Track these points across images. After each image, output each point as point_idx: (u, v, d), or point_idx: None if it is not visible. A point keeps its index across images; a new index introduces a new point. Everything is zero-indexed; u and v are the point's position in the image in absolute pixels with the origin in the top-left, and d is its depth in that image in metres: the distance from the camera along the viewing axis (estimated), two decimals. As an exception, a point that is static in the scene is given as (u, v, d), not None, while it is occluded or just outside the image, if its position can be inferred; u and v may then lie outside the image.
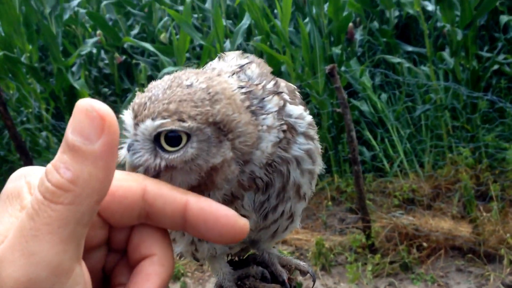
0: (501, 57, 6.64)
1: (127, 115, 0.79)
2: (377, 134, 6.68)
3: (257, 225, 0.94)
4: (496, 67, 6.56)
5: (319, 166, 0.96)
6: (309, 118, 0.93)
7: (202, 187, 0.80)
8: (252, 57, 1.00)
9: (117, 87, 9.06)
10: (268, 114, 0.86)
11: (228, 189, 0.83)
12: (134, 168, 0.78)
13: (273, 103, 0.88)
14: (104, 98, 9.29)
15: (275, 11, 7.64)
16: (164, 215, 0.67)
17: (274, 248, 1.08)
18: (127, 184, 0.67)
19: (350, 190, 6.04)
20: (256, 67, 0.96)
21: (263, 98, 0.87)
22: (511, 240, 4.77)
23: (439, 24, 7.04)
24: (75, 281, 0.58)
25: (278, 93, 0.90)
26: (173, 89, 0.80)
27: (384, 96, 6.95)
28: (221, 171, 0.79)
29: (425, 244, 4.99)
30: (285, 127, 0.87)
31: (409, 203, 5.69)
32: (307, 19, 7.10)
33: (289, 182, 0.90)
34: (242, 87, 0.85)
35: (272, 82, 0.93)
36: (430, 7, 7.12)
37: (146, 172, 0.78)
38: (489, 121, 6.42)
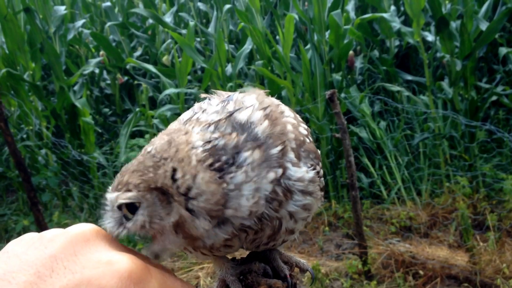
0: (499, 89, 6.70)
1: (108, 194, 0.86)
2: (375, 161, 6.71)
3: (249, 248, 0.97)
4: (494, 98, 6.62)
5: (319, 204, 0.95)
6: (311, 174, 0.91)
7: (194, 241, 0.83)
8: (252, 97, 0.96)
9: (118, 108, 9.10)
10: (239, 168, 0.82)
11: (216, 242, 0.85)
12: (116, 236, 0.83)
13: (252, 157, 0.83)
14: (104, 118, 9.34)
15: (277, 37, 7.74)
16: None
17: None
18: None
19: (347, 216, 6.04)
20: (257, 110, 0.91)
21: (238, 152, 0.83)
22: (507, 270, 4.76)
23: (438, 55, 7.13)
24: None
25: (260, 146, 0.85)
26: (137, 159, 0.86)
27: (383, 123, 7.00)
28: (186, 224, 0.80)
29: (421, 272, 4.96)
30: (279, 190, 0.86)
31: (406, 231, 5.68)
32: (308, 46, 7.19)
33: (281, 230, 0.91)
34: (208, 142, 0.83)
35: (279, 148, 0.88)
36: (430, 37, 7.22)
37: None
38: (487, 151, 6.46)
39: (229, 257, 1.06)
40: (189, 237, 0.82)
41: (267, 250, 1.06)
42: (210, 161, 0.81)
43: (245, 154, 0.83)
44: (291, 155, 0.89)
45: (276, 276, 1.03)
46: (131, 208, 0.81)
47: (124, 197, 0.80)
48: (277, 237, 0.92)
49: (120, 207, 0.82)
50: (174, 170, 0.80)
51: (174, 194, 0.79)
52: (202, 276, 5.29)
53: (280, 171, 0.85)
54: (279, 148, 0.87)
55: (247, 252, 1.11)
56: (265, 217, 0.86)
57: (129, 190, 0.80)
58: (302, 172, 0.89)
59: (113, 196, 0.82)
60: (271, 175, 0.84)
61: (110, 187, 0.84)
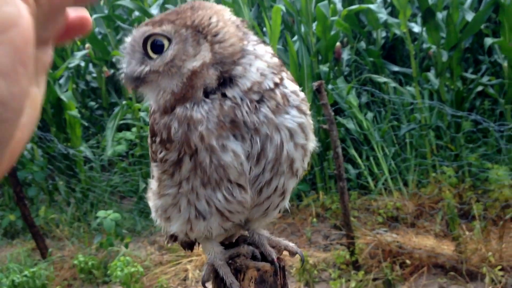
0: (485, 79, 6.74)
1: (128, 38, 0.92)
2: (362, 152, 6.74)
3: (252, 201, 0.97)
4: (480, 88, 6.66)
5: (312, 143, 0.99)
6: (302, 94, 1.01)
7: (185, 95, 0.87)
8: None
9: (104, 101, 9.05)
10: (259, 43, 0.96)
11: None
12: (130, 83, 0.89)
13: (267, 48, 0.98)
14: (91, 112, 9.29)
15: (264, 29, 7.72)
16: None
17: (263, 230, 1.11)
18: None
19: (335, 207, 6.07)
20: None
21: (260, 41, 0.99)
22: (493, 258, 4.81)
23: (425, 46, 7.15)
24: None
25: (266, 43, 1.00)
26: (171, 9, 0.93)
27: (370, 114, 7.02)
28: (200, 75, 0.87)
29: (408, 262, 5.00)
30: (278, 79, 0.95)
31: (393, 221, 5.72)
32: (295, 37, 7.19)
33: (283, 154, 0.93)
34: (242, 21, 0.99)
35: (277, 61, 1.02)
36: (417, 28, 7.24)
37: (132, 80, 0.85)
38: (473, 141, 6.51)
39: (219, 242, 1.07)
40: (190, 88, 0.87)
41: (256, 235, 1.07)
42: (238, 22, 0.95)
43: (263, 44, 0.99)
44: (286, 73, 1.04)
45: (264, 260, 1.04)
46: (156, 48, 0.86)
47: (159, 30, 0.86)
48: (279, 170, 0.96)
49: (145, 42, 0.86)
50: (211, 16, 0.91)
51: (208, 33, 0.89)
52: (190, 269, 5.29)
53: (277, 78, 0.97)
54: (278, 61, 1.01)
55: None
56: (264, 118, 0.93)
57: (162, 25, 0.87)
58: (296, 87, 1.01)
59: (144, 29, 0.87)
60: (273, 77, 0.97)
61: (136, 27, 0.90)
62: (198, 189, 0.93)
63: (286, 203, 1.06)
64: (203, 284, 1.12)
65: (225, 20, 0.91)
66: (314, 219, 6.09)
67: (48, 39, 0.60)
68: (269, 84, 0.93)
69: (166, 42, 0.86)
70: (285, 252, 1.16)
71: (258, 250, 1.06)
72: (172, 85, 0.86)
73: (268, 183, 0.96)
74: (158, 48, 0.86)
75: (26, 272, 4.93)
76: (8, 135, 0.50)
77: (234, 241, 1.12)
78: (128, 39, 0.88)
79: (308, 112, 0.99)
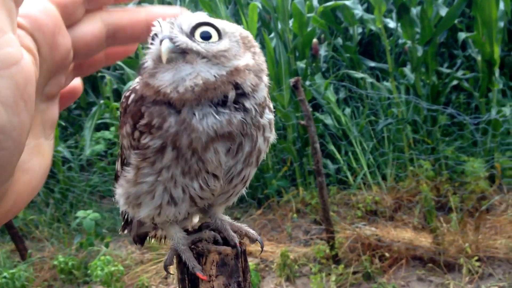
0: (460, 73, 6.84)
1: (161, 22, 0.86)
2: (341, 147, 6.79)
3: (221, 189, 1.01)
4: (455, 82, 6.76)
5: (273, 136, 1.04)
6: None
7: (210, 92, 0.89)
8: None
9: (82, 100, 8.97)
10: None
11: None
12: (170, 53, 0.86)
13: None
14: (68, 111, 9.20)
15: (241, 26, 7.73)
16: (132, 29, 0.74)
17: (225, 216, 1.15)
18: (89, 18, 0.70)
19: (314, 202, 6.11)
20: None
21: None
22: (470, 249, 4.90)
23: (400, 41, 7.23)
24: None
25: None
26: None
27: (347, 110, 7.08)
28: (242, 74, 0.90)
29: (387, 254, 5.07)
30: (265, 93, 0.99)
31: (372, 215, 5.79)
32: (272, 34, 7.21)
33: (256, 148, 0.97)
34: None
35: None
36: (392, 24, 7.31)
37: (175, 50, 0.87)
38: (449, 135, 6.61)
39: (182, 228, 1.11)
40: (232, 80, 0.90)
41: (218, 220, 1.11)
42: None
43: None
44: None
45: (226, 244, 1.08)
46: (204, 38, 0.89)
47: (216, 22, 0.91)
48: (249, 161, 1.01)
49: (195, 28, 0.89)
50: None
51: (251, 46, 0.96)
52: (171, 267, 5.29)
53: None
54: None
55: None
56: (252, 123, 0.96)
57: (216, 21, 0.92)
58: (265, 90, 1.01)
59: (199, 16, 0.90)
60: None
61: (167, 21, 0.88)
62: (177, 177, 0.96)
63: (243, 190, 1.11)
64: (165, 268, 1.17)
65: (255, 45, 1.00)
66: (295, 215, 6.13)
67: (53, 95, 0.68)
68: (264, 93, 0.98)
69: (215, 37, 0.88)
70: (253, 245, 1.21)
71: (221, 235, 1.10)
72: (209, 73, 0.87)
73: (238, 173, 1.01)
74: (206, 38, 0.89)
75: (5, 274, 4.89)
76: (7, 165, 0.54)
77: (197, 227, 1.16)
78: (165, 22, 0.88)
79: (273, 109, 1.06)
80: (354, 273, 4.96)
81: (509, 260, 4.86)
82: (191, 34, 0.87)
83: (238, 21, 8.44)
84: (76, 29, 0.67)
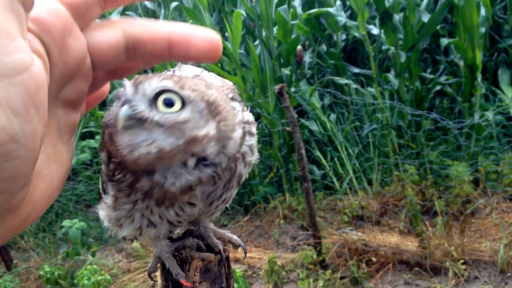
0: (443, 78, 6.91)
1: (127, 82, 0.85)
2: (326, 153, 6.83)
3: (201, 211, 1.01)
4: (438, 87, 6.83)
5: (255, 157, 1.04)
6: (252, 117, 1.02)
7: (169, 158, 0.86)
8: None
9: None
10: (238, 111, 0.97)
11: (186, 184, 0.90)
12: (127, 120, 0.84)
13: (238, 105, 0.99)
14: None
15: (226, 34, 7.76)
16: (153, 45, 0.66)
17: (209, 223, 1.16)
18: (108, 27, 0.67)
19: (301, 208, 6.13)
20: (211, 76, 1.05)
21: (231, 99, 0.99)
22: (456, 253, 4.94)
23: (384, 47, 7.29)
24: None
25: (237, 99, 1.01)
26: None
27: (333, 116, 7.13)
28: (198, 144, 0.86)
29: (374, 259, 5.09)
30: (245, 129, 0.97)
31: (358, 220, 5.82)
32: (257, 42, 7.24)
33: (235, 174, 0.97)
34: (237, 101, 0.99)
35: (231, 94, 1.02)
36: (375, 30, 7.37)
37: (131, 119, 0.84)
38: (433, 139, 6.67)
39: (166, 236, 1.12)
40: (187, 151, 0.87)
41: (202, 227, 1.12)
42: (231, 95, 0.98)
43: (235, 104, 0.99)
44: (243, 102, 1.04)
45: (210, 251, 1.09)
46: (167, 105, 0.85)
47: (182, 91, 0.85)
48: (230, 186, 0.99)
49: (159, 94, 0.85)
50: (220, 98, 0.92)
51: (217, 114, 0.89)
52: (159, 275, 5.26)
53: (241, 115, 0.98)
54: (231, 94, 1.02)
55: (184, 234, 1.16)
56: (226, 169, 0.94)
57: (183, 88, 0.86)
58: (250, 115, 1.01)
59: (165, 83, 0.85)
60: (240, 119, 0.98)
61: (133, 80, 0.86)
62: (152, 207, 0.97)
63: (230, 202, 1.11)
64: (149, 275, 1.17)
65: (224, 98, 0.94)
66: (281, 221, 6.15)
67: (73, 101, 0.65)
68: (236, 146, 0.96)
69: (178, 105, 0.86)
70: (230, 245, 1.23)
71: (204, 242, 1.11)
72: (166, 142, 0.85)
73: (219, 197, 1.01)
74: (169, 106, 0.86)
75: (-10, 286, 4.84)
76: (22, 173, 0.52)
77: (181, 234, 1.17)
78: (130, 84, 0.87)
79: (255, 132, 1.04)
80: (342, 278, 4.98)
81: (494, 262, 4.91)
82: (154, 100, 0.84)
83: (222, 29, 8.48)
84: (90, 34, 0.64)
